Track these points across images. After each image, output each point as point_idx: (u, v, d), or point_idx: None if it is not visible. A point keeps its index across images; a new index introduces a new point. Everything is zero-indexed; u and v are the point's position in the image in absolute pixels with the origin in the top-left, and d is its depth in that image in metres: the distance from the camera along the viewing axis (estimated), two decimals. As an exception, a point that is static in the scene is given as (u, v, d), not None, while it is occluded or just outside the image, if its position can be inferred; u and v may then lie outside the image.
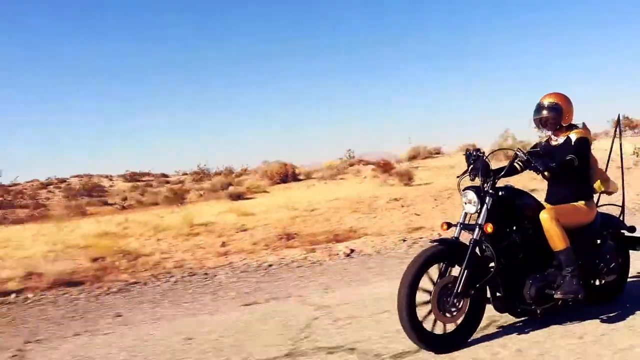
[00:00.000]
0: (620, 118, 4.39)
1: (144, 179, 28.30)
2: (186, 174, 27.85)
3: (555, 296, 3.68)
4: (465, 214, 3.70)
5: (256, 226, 9.69)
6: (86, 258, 7.44)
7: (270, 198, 15.45)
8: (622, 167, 4.39)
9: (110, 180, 28.01)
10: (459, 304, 3.50)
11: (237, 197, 16.04)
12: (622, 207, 4.39)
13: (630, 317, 3.88)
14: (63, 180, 26.94)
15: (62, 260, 7.35)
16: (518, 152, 3.67)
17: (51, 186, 25.33)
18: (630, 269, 4.41)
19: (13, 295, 5.89)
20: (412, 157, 21.51)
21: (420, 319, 3.44)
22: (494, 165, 3.90)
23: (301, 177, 19.87)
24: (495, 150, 3.91)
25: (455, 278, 3.49)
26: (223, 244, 8.34)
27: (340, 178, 18.82)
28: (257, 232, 9.13)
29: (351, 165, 21.47)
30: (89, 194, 22.51)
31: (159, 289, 5.97)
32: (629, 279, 4.43)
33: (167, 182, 26.09)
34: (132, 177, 28.55)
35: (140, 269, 6.99)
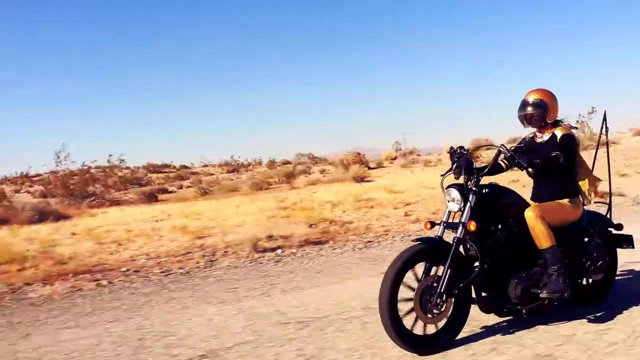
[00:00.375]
0: (606, 116, 4.32)
1: (165, 170, 29.37)
2: (214, 165, 29.97)
3: (540, 295, 3.61)
4: (449, 212, 3.63)
5: (417, 201, 10.90)
6: (302, 225, 8.56)
7: (388, 180, 16.85)
8: (608, 165, 4.32)
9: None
10: (442, 304, 3.42)
11: (361, 179, 17.54)
12: (609, 204, 4.33)
13: (618, 316, 3.82)
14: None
15: (285, 226, 8.39)
16: (501, 149, 3.61)
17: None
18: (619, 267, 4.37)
19: (279, 251, 7.07)
20: (476, 149, 23.45)
21: (403, 319, 3.36)
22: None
23: (372, 165, 22.33)
24: (479, 147, 3.83)
25: (439, 277, 3.42)
26: (406, 214, 9.53)
27: (414, 166, 21.36)
28: (423, 204, 10.34)
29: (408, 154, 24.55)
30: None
31: (396, 245, 6.98)
32: (617, 277, 4.38)
33: (211, 174, 27.51)
34: (156, 169, 30.15)
35: (357, 232, 8.04)
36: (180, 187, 21.98)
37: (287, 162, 28.67)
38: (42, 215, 11.17)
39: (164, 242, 8.02)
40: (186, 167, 30.33)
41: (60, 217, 11.50)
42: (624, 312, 3.90)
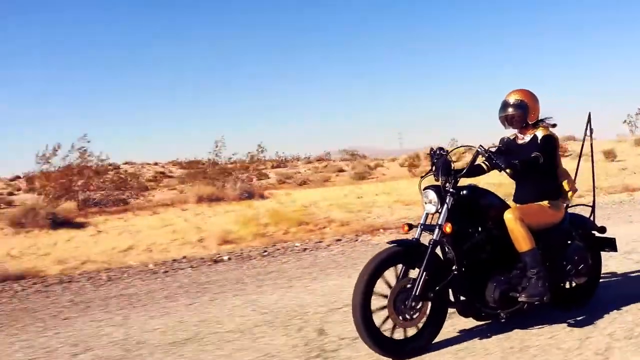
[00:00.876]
0: (591, 117, 4.25)
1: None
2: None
3: (519, 299, 3.55)
4: (427, 214, 3.58)
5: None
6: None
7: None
8: (592, 168, 4.27)
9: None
10: (417, 308, 3.37)
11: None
12: (593, 207, 4.27)
13: (599, 320, 3.76)
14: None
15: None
16: (479, 149, 3.55)
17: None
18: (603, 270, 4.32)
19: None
20: (454, 150, 26.00)
21: (377, 323, 3.31)
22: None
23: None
24: (456, 148, 3.78)
25: (414, 280, 3.36)
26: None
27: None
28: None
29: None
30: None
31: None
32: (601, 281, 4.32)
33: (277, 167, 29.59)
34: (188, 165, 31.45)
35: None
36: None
37: (321, 159, 30.32)
38: (249, 194, 13.95)
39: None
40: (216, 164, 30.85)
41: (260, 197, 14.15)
42: (605, 316, 3.84)
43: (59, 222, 9.65)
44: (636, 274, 4.98)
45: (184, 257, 7.38)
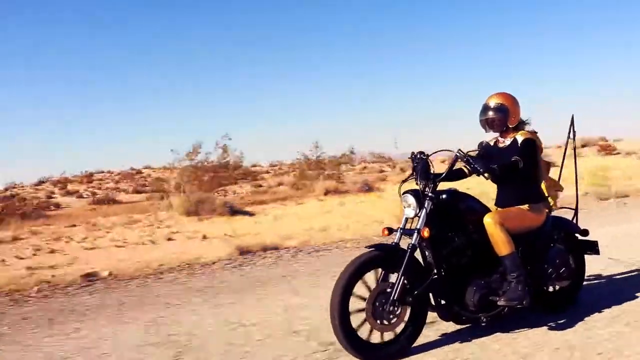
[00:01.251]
0: (574, 119, 4.26)
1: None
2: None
3: (498, 303, 3.56)
4: (406, 218, 3.58)
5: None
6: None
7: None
8: (575, 170, 4.28)
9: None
10: (396, 312, 3.37)
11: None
12: (576, 210, 4.27)
13: (580, 323, 3.76)
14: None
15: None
16: (458, 154, 3.55)
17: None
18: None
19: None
20: (583, 146, 26.93)
21: (355, 327, 3.31)
22: None
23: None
24: (437, 152, 3.78)
25: (393, 285, 3.37)
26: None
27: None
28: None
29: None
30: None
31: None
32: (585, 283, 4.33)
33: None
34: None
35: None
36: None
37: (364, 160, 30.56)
38: (368, 187, 15.14)
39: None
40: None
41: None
42: (586, 318, 3.85)
43: (234, 210, 11.21)
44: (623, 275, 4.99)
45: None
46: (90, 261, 6.94)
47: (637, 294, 4.33)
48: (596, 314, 3.93)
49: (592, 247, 4.18)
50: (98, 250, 7.80)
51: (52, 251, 7.65)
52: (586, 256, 4.24)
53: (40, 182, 30.16)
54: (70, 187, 28.97)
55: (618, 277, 4.97)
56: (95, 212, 15.16)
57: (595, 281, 4.83)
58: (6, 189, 28.31)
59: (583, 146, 26.22)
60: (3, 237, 8.60)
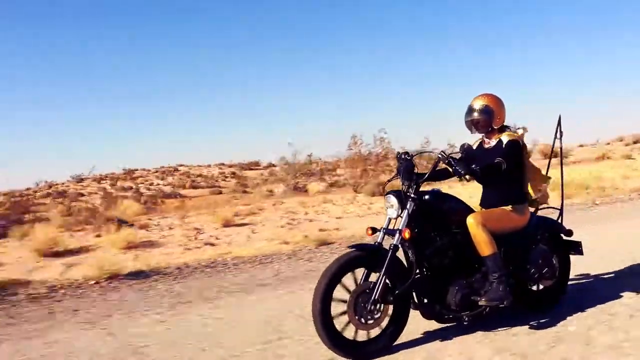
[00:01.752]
0: (561, 119, 4.28)
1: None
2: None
3: (479, 302, 3.61)
4: (389, 219, 3.63)
5: None
6: None
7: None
8: (561, 170, 4.31)
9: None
10: (378, 311, 3.43)
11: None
12: (561, 210, 4.30)
13: (560, 323, 3.81)
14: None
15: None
16: (440, 155, 3.59)
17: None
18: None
19: None
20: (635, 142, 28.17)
21: (337, 325, 3.38)
22: None
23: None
24: (420, 153, 3.83)
25: (375, 284, 3.42)
26: None
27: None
28: None
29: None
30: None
31: None
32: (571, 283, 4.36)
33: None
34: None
35: None
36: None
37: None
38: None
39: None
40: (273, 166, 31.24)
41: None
42: (568, 318, 3.89)
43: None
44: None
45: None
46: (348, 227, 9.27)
47: (618, 293, 4.36)
48: (579, 312, 3.97)
49: (576, 248, 4.21)
50: (346, 219, 10.34)
51: (311, 220, 10.51)
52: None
53: (80, 179, 30.52)
54: (119, 183, 29.58)
55: (605, 276, 5.00)
56: (225, 200, 17.42)
57: (582, 280, 4.87)
58: (50, 186, 28.64)
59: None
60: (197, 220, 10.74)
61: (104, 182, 30.49)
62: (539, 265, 3.94)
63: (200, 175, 32.91)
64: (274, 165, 28.74)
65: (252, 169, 34.27)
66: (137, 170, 34.53)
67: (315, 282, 3.38)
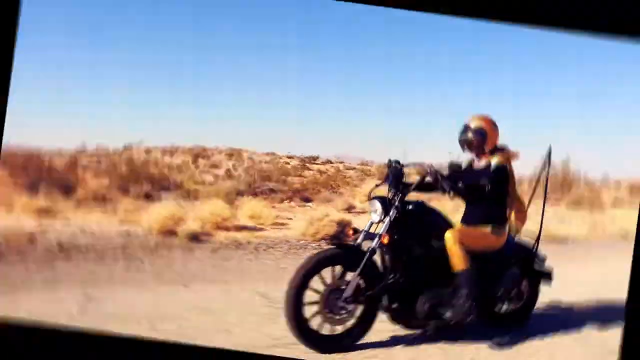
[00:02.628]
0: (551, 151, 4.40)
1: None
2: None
3: (446, 315, 3.76)
4: (371, 222, 3.77)
5: None
6: None
7: None
8: (544, 199, 4.43)
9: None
10: (348, 308, 3.58)
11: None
12: (538, 237, 4.43)
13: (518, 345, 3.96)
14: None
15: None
16: (428, 170, 3.73)
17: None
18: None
19: None
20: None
21: (308, 317, 3.51)
22: None
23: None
24: (411, 164, 3.95)
25: (348, 282, 3.56)
26: None
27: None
28: None
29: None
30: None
31: None
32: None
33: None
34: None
35: None
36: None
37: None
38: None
39: None
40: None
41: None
42: (527, 341, 4.04)
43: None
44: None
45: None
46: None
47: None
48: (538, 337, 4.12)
49: (547, 275, 4.35)
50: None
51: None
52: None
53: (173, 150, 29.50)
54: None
55: (571, 304, 5.16)
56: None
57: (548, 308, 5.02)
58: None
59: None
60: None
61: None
62: (508, 288, 4.09)
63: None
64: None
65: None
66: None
67: None
